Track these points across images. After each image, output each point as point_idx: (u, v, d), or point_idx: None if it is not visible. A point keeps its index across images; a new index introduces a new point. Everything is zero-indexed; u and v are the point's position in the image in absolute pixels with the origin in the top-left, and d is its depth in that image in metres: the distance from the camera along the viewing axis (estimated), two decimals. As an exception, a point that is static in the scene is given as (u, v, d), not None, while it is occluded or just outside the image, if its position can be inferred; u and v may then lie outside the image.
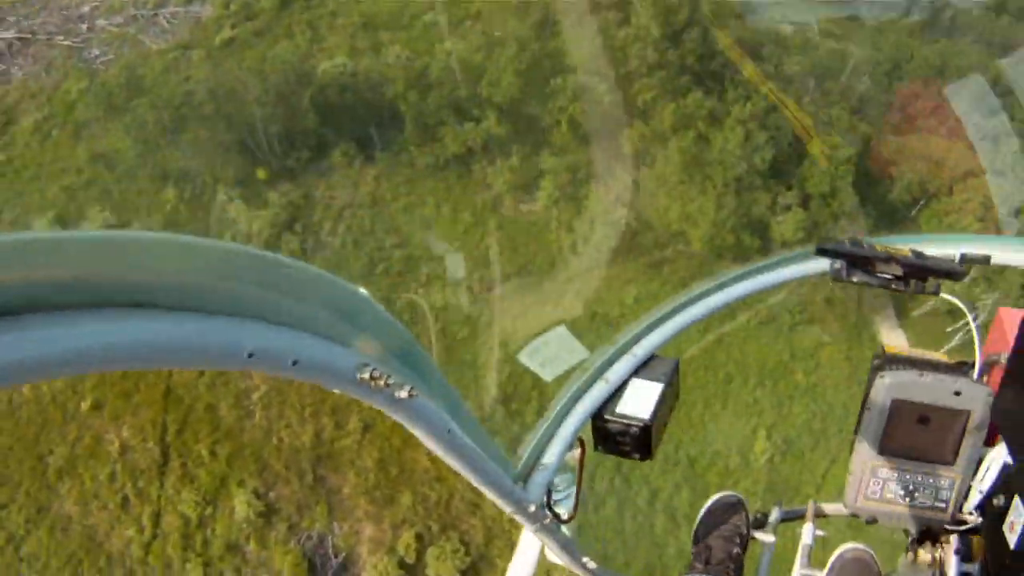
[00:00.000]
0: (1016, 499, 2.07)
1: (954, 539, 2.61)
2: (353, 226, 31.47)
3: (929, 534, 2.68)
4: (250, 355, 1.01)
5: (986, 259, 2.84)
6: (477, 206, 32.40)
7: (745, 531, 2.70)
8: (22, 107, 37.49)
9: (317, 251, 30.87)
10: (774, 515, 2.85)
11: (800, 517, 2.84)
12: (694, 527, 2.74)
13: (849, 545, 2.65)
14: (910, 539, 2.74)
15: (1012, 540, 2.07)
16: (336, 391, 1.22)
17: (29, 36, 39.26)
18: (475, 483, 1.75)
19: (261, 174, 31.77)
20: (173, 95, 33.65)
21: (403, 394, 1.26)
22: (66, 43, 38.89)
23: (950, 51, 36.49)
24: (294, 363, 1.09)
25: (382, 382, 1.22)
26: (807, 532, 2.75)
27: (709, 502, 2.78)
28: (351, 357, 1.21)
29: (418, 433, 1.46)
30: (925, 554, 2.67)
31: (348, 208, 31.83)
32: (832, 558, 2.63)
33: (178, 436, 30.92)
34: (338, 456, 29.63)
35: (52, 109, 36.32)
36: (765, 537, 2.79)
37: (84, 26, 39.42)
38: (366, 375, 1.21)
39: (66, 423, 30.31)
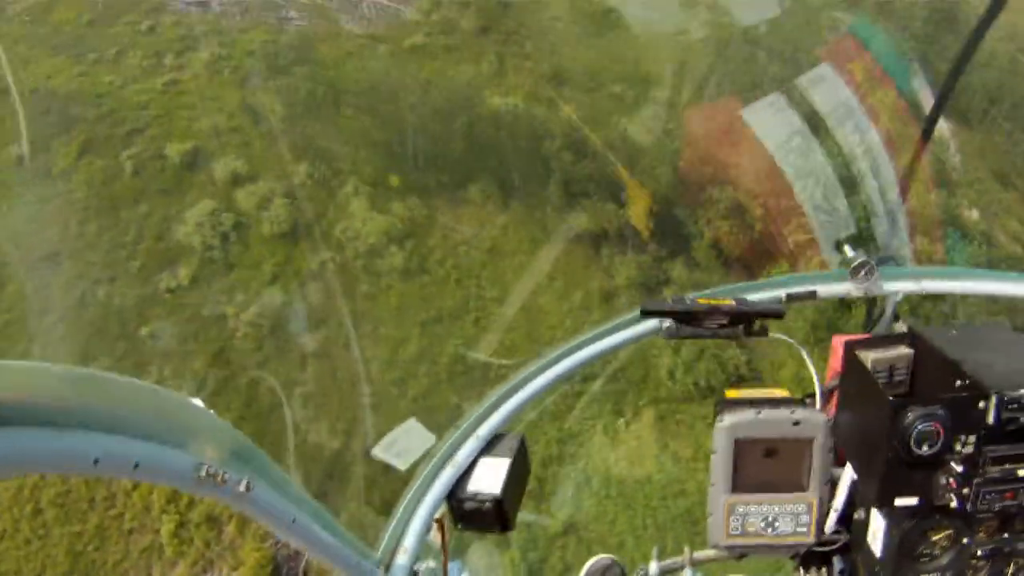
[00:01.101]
0: (873, 511, 2.27)
1: (836, 560, 2.69)
2: (462, 264, 29.95)
3: (811, 557, 2.75)
4: (95, 461, 1.16)
5: (812, 295, 3.04)
6: (591, 291, 30.35)
7: None
8: (206, 40, 38.46)
9: (417, 274, 29.47)
10: (652, 569, 2.90)
11: (678, 568, 2.90)
12: None
13: None
14: (795, 564, 2.86)
15: (877, 549, 2.25)
16: (182, 491, 1.34)
17: (241, -21, 40.57)
18: (331, 567, 1.83)
19: (394, 180, 30.86)
20: (338, 77, 33.48)
21: (241, 488, 1.40)
22: (270, -3, 39.92)
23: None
24: (136, 466, 1.24)
25: (219, 479, 1.35)
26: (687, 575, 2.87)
27: (583, 570, 2.84)
28: (188, 458, 1.35)
29: (263, 523, 1.54)
30: None
31: (464, 245, 30.39)
32: None
33: (211, 397, 30.02)
34: (349, 478, 28.17)
35: (230, 51, 36.99)
36: None
37: (293, -12, 40.43)
38: (203, 473, 1.34)
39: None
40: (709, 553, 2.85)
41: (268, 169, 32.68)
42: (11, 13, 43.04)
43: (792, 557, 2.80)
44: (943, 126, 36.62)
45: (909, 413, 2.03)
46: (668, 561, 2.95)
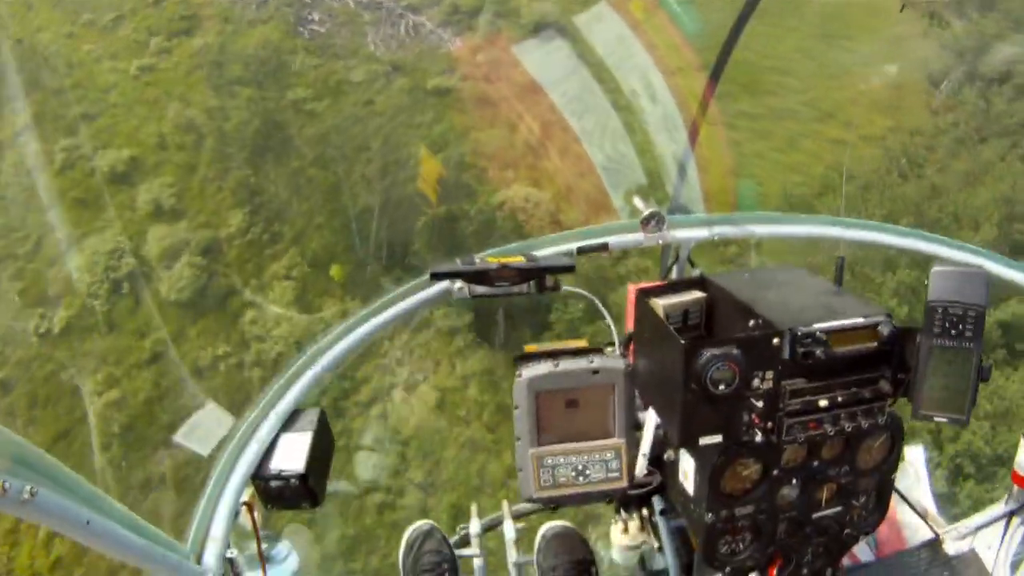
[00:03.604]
0: (682, 451, 2.24)
1: (656, 500, 2.71)
2: (391, 415, 20.94)
3: (630, 500, 2.71)
4: None
5: (603, 246, 2.94)
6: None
7: (448, 553, 2.71)
8: (208, 25, 31.41)
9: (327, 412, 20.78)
10: (474, 528, 2.86)
11: (499, 524, 2.86)
12: (399, 568, 2.71)
13: (549, 523, 2.78)
14: (615, 508, 2.79)
15: (689, 488, 2.24)
16: None
17: (276, -33, 33.28)
18: (138, 565, 1.77)
19: (335, 272, 22.25)
20: (301, 113, 25.30)
21: (24, 496, 1.34)
22: (298, -8, 32.41)
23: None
24: None
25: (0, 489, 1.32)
26: (508, 529, 2.82)
27: (403, 539, 2.76)
28: None
29: (54, 527, 1.53)
30: (634, 519, 2.72)
31: (405, 387, 21.30)
32: (537, 539, 2.78)
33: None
34: None
35: (226, 40, 29.64)
36: (470, 552, 2.83)
37: (329, -13, 32.81)
38: None
39: None
40: (527, 506, 2.79)
41: (199, 209, 24.81)
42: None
43: (609, 502, 2.70)
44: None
45: (703, 354, 1.98)
46: (487, 519, 2.90)
